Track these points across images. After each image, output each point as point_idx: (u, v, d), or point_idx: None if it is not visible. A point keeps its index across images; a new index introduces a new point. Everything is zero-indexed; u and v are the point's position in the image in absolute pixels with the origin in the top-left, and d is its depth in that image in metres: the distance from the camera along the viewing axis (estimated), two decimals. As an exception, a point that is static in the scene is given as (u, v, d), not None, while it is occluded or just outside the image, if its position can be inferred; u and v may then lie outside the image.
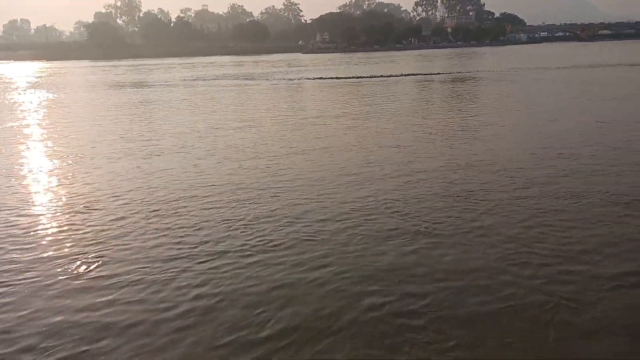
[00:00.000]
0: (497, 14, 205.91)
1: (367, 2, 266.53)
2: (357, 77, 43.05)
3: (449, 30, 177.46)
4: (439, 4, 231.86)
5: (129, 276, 6.27)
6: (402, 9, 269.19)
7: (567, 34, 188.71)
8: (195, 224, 8.07)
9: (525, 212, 8.04)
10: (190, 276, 6.20)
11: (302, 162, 12.33)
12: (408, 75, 44.33)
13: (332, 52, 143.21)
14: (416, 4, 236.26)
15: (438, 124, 17.54)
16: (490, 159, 11.74)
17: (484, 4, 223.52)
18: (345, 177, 10.63)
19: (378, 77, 43.26)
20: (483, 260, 6.37)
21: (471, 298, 5.45)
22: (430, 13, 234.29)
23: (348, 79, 41.76)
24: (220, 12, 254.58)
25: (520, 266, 6.15)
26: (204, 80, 46.91)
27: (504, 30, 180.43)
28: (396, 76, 43.44)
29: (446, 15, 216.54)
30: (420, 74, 44.92)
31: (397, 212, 8.28)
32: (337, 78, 43.31)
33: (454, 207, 8.41)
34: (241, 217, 8.33)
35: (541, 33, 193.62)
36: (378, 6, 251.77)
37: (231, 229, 7.80)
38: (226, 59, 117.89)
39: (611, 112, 18.69)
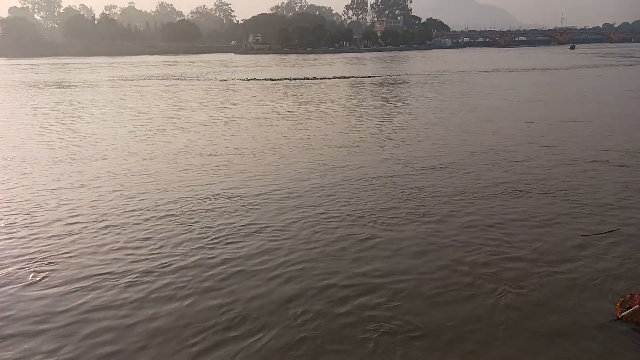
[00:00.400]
0: (423, 19, 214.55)
1: (298, 4, 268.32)
2: (292, 79, 43.68)
3: (379, 34, 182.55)
4: (368, 8, 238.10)
5: (82, 283, 6.24)
6: (333, 12, 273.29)
7: (487, 39, 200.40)
8: (148, 228, 8.07)
9: (472, 205, 8.88)
10: (151, 280, 6.28)
11: (252, 163, 12.53)
12: (342, 77, 45.59)
13: (266, 54, 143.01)
14: (347, 7, 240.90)
15: (380, 125, 18.51)
16: (435, 157, 12.66)
17: (411, 10, 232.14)
18: (299, 177, 11.10)
19: (312, 79, 44.12)
20: (437, 252, 7.00)
21: (429, 286, 6.04)
22: (360, 17, 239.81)
23: (284, 81, 42.29)
24: (149, 11, 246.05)
25: (470, 254, 6.87)
26: (136, 80, 45.58)
27: (430, 35, 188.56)
28: (330, 78, 44.53)
29: (376, 19, 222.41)
30: (354, 77, 46.36)
31: (354, 210, 8.83)
32: (272, 80, 43.71)
33: (406, 203, 9.10)
34: (196, 220, 8.41)
35: (464, 38, 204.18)
36: (310, 9, 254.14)
37: (188, 231, 7.92)
38: (156, 58, 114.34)
39: (539, 112, 20.62)
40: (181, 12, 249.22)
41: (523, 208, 8.58)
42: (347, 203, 9.04)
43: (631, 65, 55.30)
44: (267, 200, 9.25)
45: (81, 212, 8.72)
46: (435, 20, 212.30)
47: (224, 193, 9.73)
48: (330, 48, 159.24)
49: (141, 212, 8.71)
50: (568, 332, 5.02)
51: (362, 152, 13.41)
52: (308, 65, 73.61)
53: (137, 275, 6.35)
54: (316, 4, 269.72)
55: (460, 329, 5.14)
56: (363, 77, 46.15)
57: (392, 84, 37.56)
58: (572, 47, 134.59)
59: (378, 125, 17.85)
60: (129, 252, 7.06)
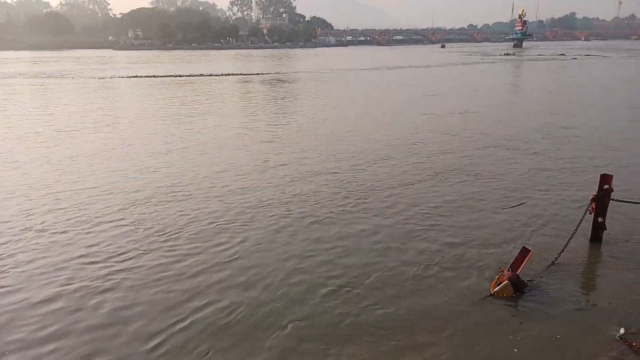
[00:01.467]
0: (307, 18, 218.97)
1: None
2: (178, 76, 42.17)
3: (265, 31, 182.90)
4: (253, 4, 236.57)
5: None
6: (217, 7, 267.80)
7: (368, 38, 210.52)
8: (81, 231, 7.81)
9: (400, 187, 10.05)
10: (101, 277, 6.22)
11: (163, 164, 12.18)
12: (230, 74, 45.01)
13: (148, 49, 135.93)
14: (231, 3, 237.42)
15: (282, 122, 18.71)
16: (359, 151, 13.36)
17: (295, 8, 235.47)
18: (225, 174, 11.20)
19: (199, 75, 43.02)
20: (383, 236, 7.66)
21: (385, 265, 6.67)
22: (245, 13, 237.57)
23: (169, 78, 40.64)
24: (9, 1, 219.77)
25: (411, 233, 7.68)
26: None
27: (315, 34, 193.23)
28: (218, 75, 43.77)
29: (261, 16, 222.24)
30: (242, 74, 46.02)
31: (303, 202, 9.19)
32: (156, 77, 41.76)
33: (342, 193, 9.68)
34: (141, 218, 8.31)
35: (347, 37, 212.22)
36: (193, 3, 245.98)
37: (132, 232, 7.80)
38: (22, 54, 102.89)
39: (437, 105, 22.71)
40: (48, 2, 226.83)
41: (449, 191, 9.48)
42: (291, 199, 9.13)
43: (493, 62, 61.78)
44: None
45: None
46: (319, 18, 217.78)
47: (165, 191, 9.26)
48: (216, 44, 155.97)
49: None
50: (449, 308, 5.65)
51: (283, 150, 13.53)
52: (194, 61, 71.43)
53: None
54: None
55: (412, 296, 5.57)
56: (252, 74, 46.03)
57: (286, 81, 37.98)
58: (443, 46, 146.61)
59: (288, 123, 18.02)
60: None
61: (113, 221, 8.22)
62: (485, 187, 10.06)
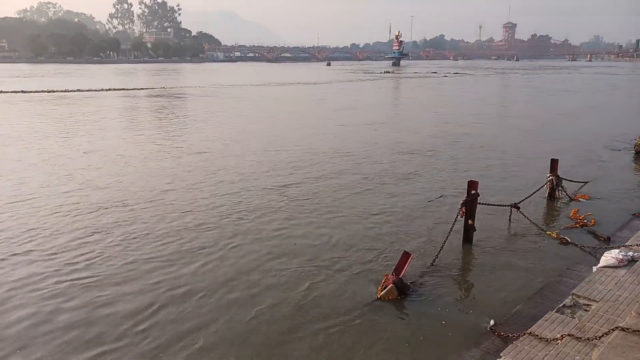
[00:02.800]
0: (194, 33, 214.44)
1: (52, 10, 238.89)
2: (51, 92, 38.74)
3: (149, 45, 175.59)
4: (135, 18, 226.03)
5: None
6: (95, 20, 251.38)
7: (257, 54, 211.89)
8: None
9: (330, 190, 9.95)
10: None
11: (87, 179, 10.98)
12: (111, 89, 42.44)
13: (15, 63, 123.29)
14: (111, 16, 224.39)
15: (181, 138, 17.89)
16: (270, 164, 13.33)
17: (180, 22, 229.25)
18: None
19: (75, 91, 40.01)
20: (272, 246, 7.52)
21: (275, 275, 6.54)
22: (127, 27, 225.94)
23: (39, 94, 37.15)
24: None
25: (301, 244, 7.57)
26: None
27: (202, 49, 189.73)
28: (97, 90, 41.07)
29: (144, 30, 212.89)
30: (125, 89, 43.64)
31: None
32: (24, 92, 37.91)
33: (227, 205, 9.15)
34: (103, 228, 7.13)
35: (235, 53, 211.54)
36: (67, 15, 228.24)
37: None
38: None
39: (346, 118, 24.26)
40: None
41: (332, 203, 9.61)
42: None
43: (375, 79, 65.55)
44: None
45: None
46: (206, 34, 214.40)
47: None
48: (95, 58, 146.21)
49: None
50: (339, 315, 5.86)
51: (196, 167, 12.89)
52: (68, 76, 66.24)
53: None
54: (74, 10, 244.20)
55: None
56: (136, 89, 43.85)
57: (173, 96, 36.63)
58: (329, 64, 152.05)
59: (175, 141, 17.31)
60: None
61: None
62: (369, 194, 10.64)
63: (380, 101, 34.88)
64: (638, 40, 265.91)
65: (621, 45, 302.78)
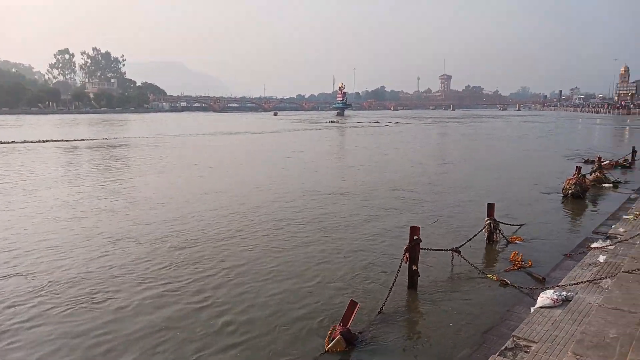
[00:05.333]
0: (139, 83, 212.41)
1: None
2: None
3: (92, 95, 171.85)
4: (77, 68, 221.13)
5: None
6: (34, 70, 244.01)
7: (203, 104, 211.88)
8: None
9: (265, 240, 9.25)
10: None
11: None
12: (49, 141, 40.83)
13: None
14: (51, 66, 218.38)
15: (109, 192, 17.22)
16: (241, 208, 12.66)
17: (124, 73, 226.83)
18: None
19: (10, 142, 38.17)
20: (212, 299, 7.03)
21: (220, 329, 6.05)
22: (68, 77, 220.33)
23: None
24: None
25: (244, 299, 7.13)
26: None
27: (147, 99, 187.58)
28: (33, 142, 39.38)
29: (87, 80, 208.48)
30: (65, 140, 42.14)
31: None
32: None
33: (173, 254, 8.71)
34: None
35: (181, 103, 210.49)
36: (3, 65, 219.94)
37: None
38: None
39: (293, 163, 25.40)
40: None
41: (279, 254, 9.42)
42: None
43: (320, 129, 66.95)
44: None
45: None
46: (151, 84, 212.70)
47: None
48: (33, 109, 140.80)
49: None
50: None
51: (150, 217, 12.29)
52: (2, 127, 63.17)
53: None
54: (11, 60, 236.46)
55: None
56: (76, 140, 42.44)
57: (117, 146, 35.61)
58: (276, 114, 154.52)
59: (118, 192, 16.65)
60: None
61: None
62: (310, 243, 10.64)
63: (325, 149, 35.55)
64: (561, 91, 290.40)
65: (546, 96, 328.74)
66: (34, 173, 21.95)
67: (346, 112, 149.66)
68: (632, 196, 15.78)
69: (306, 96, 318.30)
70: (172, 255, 9.89)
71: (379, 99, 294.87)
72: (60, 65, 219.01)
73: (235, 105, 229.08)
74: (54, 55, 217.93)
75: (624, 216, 12.30)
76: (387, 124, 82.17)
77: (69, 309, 7.34)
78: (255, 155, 30.93)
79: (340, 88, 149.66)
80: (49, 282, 8.40)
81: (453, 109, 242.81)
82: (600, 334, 4.74)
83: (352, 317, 6.32)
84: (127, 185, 18.61)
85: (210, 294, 7.95)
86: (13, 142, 39.15)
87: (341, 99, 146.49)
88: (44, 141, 40.61)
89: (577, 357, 4.32)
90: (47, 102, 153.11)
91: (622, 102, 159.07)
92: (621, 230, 10.80)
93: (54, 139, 42.50)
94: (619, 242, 9.56)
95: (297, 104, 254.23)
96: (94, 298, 7.73)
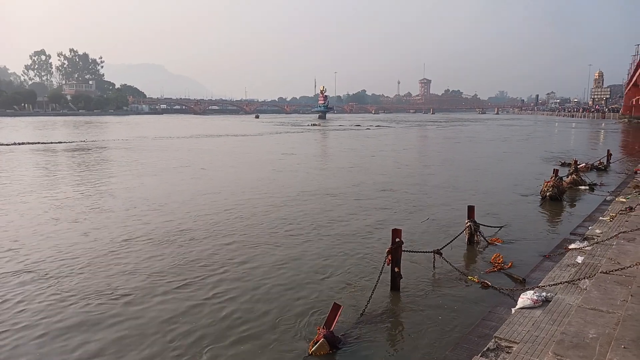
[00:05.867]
0: (118, 85, 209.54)
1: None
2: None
3: (69, 97, 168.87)
4: (54, 70, 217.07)
5: None
6: (9, 71, 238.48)
7: (184, 107, 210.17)
8: None
9: (245, 242, 9.11)
10: None
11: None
12: (24, 143, 39.93)
13: None
14: (27, 67, 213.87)
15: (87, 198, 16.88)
16: (230, 211, 12.41)
17: (103, 75, 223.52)
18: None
19: (-16, 146, 37.27)
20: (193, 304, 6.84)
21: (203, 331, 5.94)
22: (45, 78, 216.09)
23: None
24: None
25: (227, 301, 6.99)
26: None
27: (126, 101, 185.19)
28: (8, 144, 38.47)
29: (64, 82, 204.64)
30: (41, 143, 41.26)
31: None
32: None
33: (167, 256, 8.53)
34: None
35: (161, 105, 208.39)
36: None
37: None
38: None
39: (282, 165, 25.45)
40: None
41: (264, 255, 9.33)
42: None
43: (302, 132, 66.95)
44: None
45: None
46: (130, 86, 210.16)
47: None
48: (8, 111, 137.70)
49: None
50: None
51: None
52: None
53: None
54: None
55: None
56: (53, 142, 41.60)
57: (93, 149, 34.95)
58: (257, 117, 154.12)
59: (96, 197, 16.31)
60: None
61: None
62: (293, 243, 10.60)
63: (312, 152, 35.54)
64: (537, 96, 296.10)
65: (523, 100, 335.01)
66: (21, 176, 21.42)
67: (328, 115, 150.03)
68: (608, 198, 16.11)
69: (288, 99, 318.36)
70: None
71: (360, 103, 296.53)
72: (36, 66, 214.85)
73: (216, 107, 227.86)
74: (30, 56, 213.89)
75: (601, 218, 12.56)
76: (369, 127, 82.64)
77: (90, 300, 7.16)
78: (243, 158, 30.68)
79: (321, 91, 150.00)
80: (60, 278, 8.20)
81: (433, 113, 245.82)
82: (580, 334, 4.82)
83: (336, 319, 6.30)
84: (122, 187, 18.30)
85: (175, 303, 7.84)
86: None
87: (323, 102, 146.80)
88: (20, 143, 39.74)
89: (558, 357, 4.38)
90: (22, 104, 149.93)
91: (597, 107, 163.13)
92: (598, 231, 11.02)
93: (31, 142, 41.59)
94: (596, 243, 9.75)
95: (278, 107, 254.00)
96: (111, 291, 7.56)
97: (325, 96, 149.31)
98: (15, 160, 28.55)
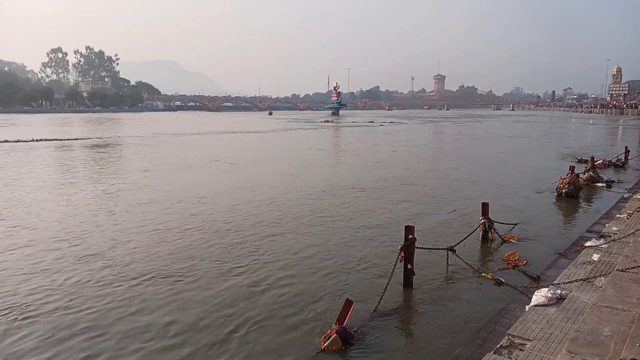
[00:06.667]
0: (133, 82, 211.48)
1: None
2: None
3: (85, 94, 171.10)
4: (70, 67, 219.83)
5: None
6: (27, 69, 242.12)
7: (198, 104, 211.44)
8: None
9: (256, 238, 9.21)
10: None
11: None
12: (45, 140, 40.65)
13: None
14: (44, 65, 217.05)
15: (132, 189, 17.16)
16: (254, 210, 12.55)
17: (118, 72, 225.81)
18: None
19: (3, 142, 37.94)
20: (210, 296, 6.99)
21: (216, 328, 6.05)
22: (62, 76, 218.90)
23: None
24: None
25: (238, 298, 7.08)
26: None
27: (141, 98, 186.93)
28: (27, 141, 39.15)
29: (80, 79, 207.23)
30: (59, 140, 41.97)
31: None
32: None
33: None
34: None
35: (176, 102, 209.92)
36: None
37: None
38: None
39: (307, 159, 24.67)
40: None
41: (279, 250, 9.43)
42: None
43: (316, 128, 66.98)
44: None
45: None
46: (145, 83, 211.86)
47: None
48: (26, 108, 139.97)
49: None
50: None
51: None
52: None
53: None
54: (4, 59, 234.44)
55: None
56: (70, 139, 42.28)
57: (109, 146, 35.44)
58: (270, 113, 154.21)
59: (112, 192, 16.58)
60: None
61: None
62: (307, 240, 10.64)
63: (331, 147, 35.59)
64: (554, 92, 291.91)
65: (539, 96, 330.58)
66: (66, 171, 21.83)
67: (341, 112, 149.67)
68: (625, 195, 15.88)
69: (301, 96, 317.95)
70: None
71: (373, 99, 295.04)
72: (53, 64, 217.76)
73: (229, 104, 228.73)
74: (47, 54, 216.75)
75: (618, 215, 12.39)
76: (382, 123, 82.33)
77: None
78: (267, 154, 31.06)
79: (334, 88, 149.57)
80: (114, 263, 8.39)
81: (447, 109, 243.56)
82: (595, 332, 4.78)
83: (348, 315, 6.33)
84: (159, 181, 18.60)
85: (194, 292, 7.93)
86: (5, 141, 38.91)
87: (336, 98, 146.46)
88: (39, 140, 40.46)
89: (572, 354, 4.35)
90: (40, 101, 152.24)
91: (615, 103, 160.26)
92: (615, 229, 10.88)
93: (49, 138, 42.30)
94: (613, 240, 9.63)
95: (291, 104, 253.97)
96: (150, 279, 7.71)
97: (339, 93, 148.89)
98: (48, 156, 29.06)
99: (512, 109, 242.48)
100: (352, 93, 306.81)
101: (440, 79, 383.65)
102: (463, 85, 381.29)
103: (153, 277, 8.61)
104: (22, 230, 11.67)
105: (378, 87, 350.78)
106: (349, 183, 19.02)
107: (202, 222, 12.55)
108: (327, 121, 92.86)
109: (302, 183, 19.01)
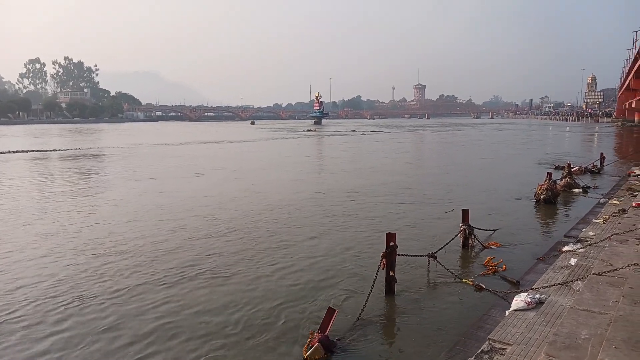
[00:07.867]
0: (113, 93, 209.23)
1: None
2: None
3: (64, 105, 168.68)
4: (48, 78, 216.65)
5: None
6: (3, 79, 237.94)
7: (179, 114, 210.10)
8: None
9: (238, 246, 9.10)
10: None
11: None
12: (20, 152, 39.86)
13: None
14: (21, 75, 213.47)
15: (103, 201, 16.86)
16: (250, 217, 12.42)
17: (98, 83, 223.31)
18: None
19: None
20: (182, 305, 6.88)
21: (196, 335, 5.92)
22: (40, 86, 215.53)
23: None
24: None
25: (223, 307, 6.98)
26: None
27: (121, 109, 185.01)
28: (3, 153, 38.39)
29: (59, 90, 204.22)
30: (35, 151, 41.20)
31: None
32: None
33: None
34: None
35: (157, 112, 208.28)
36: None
37: None
38: None
39: (274, 175, 24.49)
40: None
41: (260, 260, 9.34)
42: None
43: (299, 137, 67.07)
44: None
45: None
46: (125, 94, 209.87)
47: None
48: (3, 119, 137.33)
49: None
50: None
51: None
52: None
53: None
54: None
55: None
56: (48, 150, 41.55)
57: (86, 157, 34.90)
58: (253, 123, 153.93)
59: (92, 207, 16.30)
60: None
61: None
62: (290, 249, 10.61)
63: (305, 158, 35.62)
64: (531, 100, 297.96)
65: (517, 104, 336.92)
66: (75, 182, 21.37)
67: (323, 121, 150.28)
68: (602, 201, 16.21)
69: (283, 105, 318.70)
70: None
71: (355, 108, 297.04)
72: (31, 74, 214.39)
73: (211, 114, 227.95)
74: (24, 64, 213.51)
75: (594, 220, 12.63)
76: (364, 132, 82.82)
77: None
78: (248, 163, 30.86)
79: (317, 97, 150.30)
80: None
81: (428, 118, 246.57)
82: (572, 335, 4.85)
83: (331, 324, 6.31)
84: (166, 188, 18.31)
85: (171, 302, 7.84)
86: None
87: (318, 108, 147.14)
88: (14, 152, 39.67)
89: (550, 358, 4.41)
90: (17, 112, 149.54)
91: (590, 110, 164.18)
92: (591, 233, 11.08)
93: (25, 150, 41.51)
94: (589, 245, 9.81)
95: (274, 113, 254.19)
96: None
97: (321, 102, 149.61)
98: (14, 165, 28.46)
99: (492, 117, 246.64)
100: (334, 102, 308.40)
101: (420, 88, 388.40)
102: (443, 95, 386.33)
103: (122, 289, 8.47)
104: (-3, 244, 11.41)
105: (360, 96, 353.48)
106: (357, 186, 19.11)
107: (172, 234, 12.42)
108: (309, 130, 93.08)
109: (285, 191, 18.98)
